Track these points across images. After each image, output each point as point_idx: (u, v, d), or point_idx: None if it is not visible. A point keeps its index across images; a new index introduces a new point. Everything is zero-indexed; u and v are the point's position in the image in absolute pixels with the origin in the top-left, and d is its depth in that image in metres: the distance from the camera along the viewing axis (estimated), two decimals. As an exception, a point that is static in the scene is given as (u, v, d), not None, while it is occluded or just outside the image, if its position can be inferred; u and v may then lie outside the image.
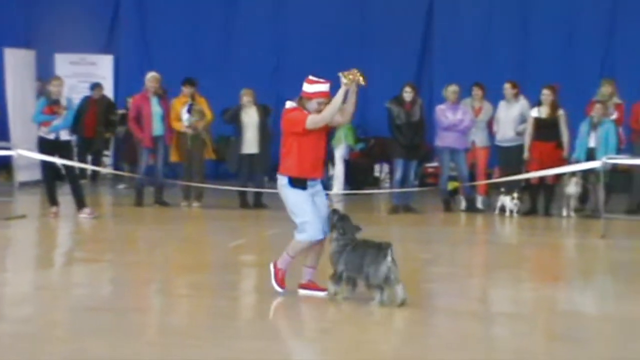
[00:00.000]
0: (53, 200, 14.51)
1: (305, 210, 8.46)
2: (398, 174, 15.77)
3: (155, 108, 15.85)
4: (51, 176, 14.58)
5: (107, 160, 20.59)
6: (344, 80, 8.46)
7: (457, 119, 15.73)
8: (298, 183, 8.47)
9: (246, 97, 15.98)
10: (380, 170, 21.27)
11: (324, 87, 8.59)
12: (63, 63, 21.08)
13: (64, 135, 14.46)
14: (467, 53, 21.21)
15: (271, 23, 22.26)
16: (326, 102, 8.51)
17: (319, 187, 8.67)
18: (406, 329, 7.78)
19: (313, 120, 8.43)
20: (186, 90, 16.14)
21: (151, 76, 16.05)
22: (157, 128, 15.91)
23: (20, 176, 16.27)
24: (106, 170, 19.65)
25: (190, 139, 16.02)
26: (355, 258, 8.27)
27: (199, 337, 7.23)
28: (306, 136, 8.45)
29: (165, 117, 15.93)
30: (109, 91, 21.03)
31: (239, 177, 16.14)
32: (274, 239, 13.44)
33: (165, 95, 16.07)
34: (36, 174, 16.89)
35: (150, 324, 7.90)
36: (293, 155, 8.48)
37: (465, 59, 21.00)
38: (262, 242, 12.97)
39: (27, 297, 8.78)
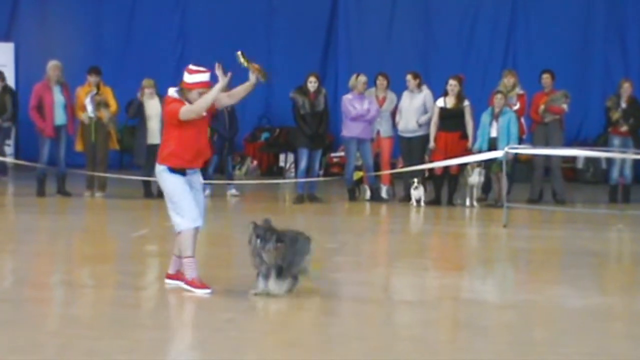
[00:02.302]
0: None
1: (182, 197, 8.37)
2: (303, 164, 15.81)
3: (57, 97, 15.63)
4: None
5: (9, 149, 20.22)
6: (239, 58, 8.43)
7: (365, 109, 15.81)
8: (176, 171, 8.39)
9: (147, 89, 15.85)
10: (285, 159, 21.31)
11: (205, 76, 8.46)
12: (-39, 51, 20.66)
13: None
14: (371, 43, 21.36)
15: (175, 11, 22.13)
16: (206, 92, 8.37)
17: (197, 176, 8.59)
18: (310, 318, 7.79)
19: (185, 113, 8.29)
20: (91, 79, 15.94)
21: (53, 64, 15.80)
22: (59, 117, 15.68)
23: None
24: (8, 160, 19.30)
25: (94, 129, 15.83)
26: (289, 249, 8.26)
27: (101, 328, 7.15)
28: (184, 127, 8.30)
29: (68, 106, 15.71)
30: (10, 79, 20.64)
31: (143, 167, 16.00)
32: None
33: (66, 84, 15.84)
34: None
35: (52, 315, 7.79)
36: (172, 145, 8.36)
37: (370, 49, 21.14)
38: (165, 232, 12.80)
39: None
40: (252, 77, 8.56)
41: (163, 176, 8.42)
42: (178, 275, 8.60)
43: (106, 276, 9.31)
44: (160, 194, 15.80)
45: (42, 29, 22.14)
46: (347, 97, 16.01)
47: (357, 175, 16.12)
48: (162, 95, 16.12)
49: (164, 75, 17.71)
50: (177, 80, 20.91)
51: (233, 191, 16.76)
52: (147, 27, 22.00)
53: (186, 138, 8.33)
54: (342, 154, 17.77)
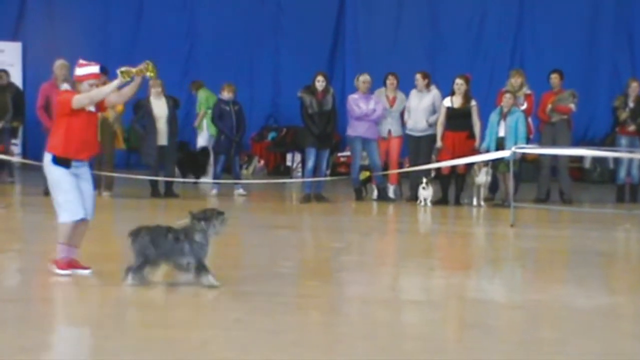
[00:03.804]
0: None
1: (66, 189, 8.63)
2: (310, 163, 15.81)
3: (64, 96, 15.63)
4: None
5: (16, 149, 20.24)
6: (120, 77, 8.68)
7: (370, 108, 15.80)
8: (62, 162, 8.64)
9: (155, 89, 15.89)
10: (292, 159, 21.31)
11: (94, 69, 8.82)
12: (-31, 50, 20.70)
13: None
14: (379, 43, 21.36)
15: (183, 11, 22.14)
16: (97, 83, 8.75)
17: (85, 169, 8.83)
18: (317, 318, 7.78)
19: (77, 100, 8.59)
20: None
21: (60, 64, 15.80)
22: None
23: None
24: (15, 159, 19.31)
25: (101, 128, 15.81)
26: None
27: (108, 328, 7.15)
28: (74, 116, 8.60)
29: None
30: (17, 79, 20.67)
31: (150, 166, 16.03)
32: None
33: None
34: None
35: (59, 314, 7.79)
36: (60, 134, 8.65)
37: (377, 48, 21.14)
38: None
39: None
40: (138, 79, 8.82)
41: (49, 168, 8.69)
42: (71, 263, 8.86)
43: (113, 275, 9.29)
44: (167, 194, 15.85)
45: (49, 28, 22.18)
46: (353, 97, 16.01)
47: (364, 175, 16.11)
48: (169, 95, 16.19)
49: (171, 76, 17.74)
50: (185, 80, 21.05)
51: (240, 191, 16.77)
52: (154, 26, 22.01)
53: (74, 129, 8.61)
54: (349, 153, 17.76)
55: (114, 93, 8.83)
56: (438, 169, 15.61)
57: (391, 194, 16.26)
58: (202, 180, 18.12)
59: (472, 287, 9.18)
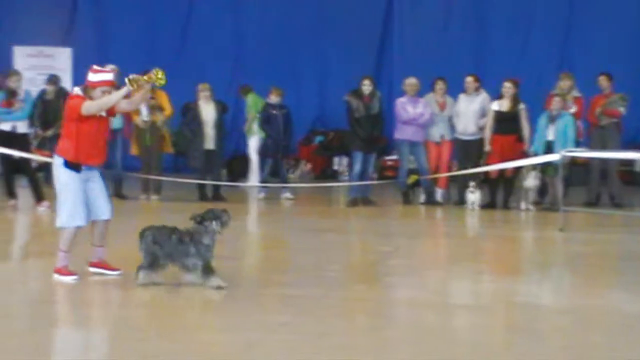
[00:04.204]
0: (11, 193, 14.38)
1: (71, 194, 8.75)
2: (357, 167, 15.79)
3: (113, 101, 15.74)
4: (9, 169, 14.44)
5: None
6: (128, 85, 8.70)
7: (417, 112, 15.76)
8: (72, 166, 8.76)
9: (203, 93, 15.97)
10: (339, 163, 21.30)
11: (107, 76, 8.90)
12: (21, 55, 20.91)
13: (21, 128, 14.34)
14: (426, 47, 21.29)
15: (229, 15, 22.23)
16: (109, 91, 8.81)
17: (96, 174, 8.98)
18: (365, 321, 7.77)
19: (86, 107, 8.66)
20: (146, 83, 16.04)
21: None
22: (115, 121, 15.77)
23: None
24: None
25: (149, 132, 15.95)
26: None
27: (153, 330, 7.18)
28: (84, 122, 8.69)
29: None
30: (67, 84, 20.85)
31: (198, 170, 16.11)
32: (231, 232, 13.37)
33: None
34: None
35: (105, 316, 7.84)
36: (71, 139, 8.74)
37: (425, 52, 21.07)
38: (219, 235, 12.88)
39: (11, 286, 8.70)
40: (146, 86, 8.86)
41: (59, 170, 8.79)
42: (99, 263, 9.04)
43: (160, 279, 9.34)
44: (214, 197, 15.91)
45: (98, 34, 22.37)
46: (401, 100, 15.98)
47: (412, 178, 16.06)
48: (217, 100, 16.26)
49: (218, 79, 17.82)
50: (231, 84, 21.10)
51: (287, 194, 16.80)
52: (201, 31, 22.11)
53: (84, 134, 8.71)
54: (396, 157, 17.71)
55: (124, 100, 8.91)
56: (486, 173, 15.52)
57: (439, 197, 16.19)
58: (250, 183, 18.16)
59: (521, 292, 9.11)
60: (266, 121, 16.75)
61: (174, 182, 16.29)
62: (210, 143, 15.91)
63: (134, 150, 16.25)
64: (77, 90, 8.86)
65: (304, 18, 21.99)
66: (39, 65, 21.35)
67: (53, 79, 17.33)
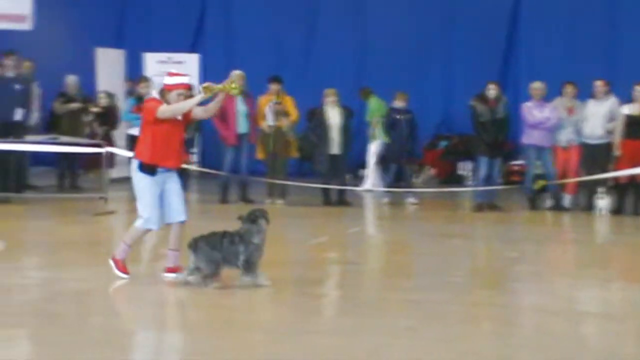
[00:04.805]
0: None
1: (147, 197, 8.90)
2: (482, 172, 15.66)
3: (240, 106, 15.95)
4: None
5: (194, 157, 20.75)
6: (202, 93, 8.80)
7: (544, 116, 15.55)
8: (147, 169, 8.89)
9: (329, 98, 16.04)
10: (464, 167, 21.14)
11: (184, 79, 9.03)
12: (151, 62, 21.31)
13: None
14: (553, 50, 20.96)
15: (354, 21, 22.27)
16: (185, 94, 8.95)
17: (173, 176, 9.04)
18: (491, 328, 7.68)
19: (162, 111, 8.79)
20: (272, 87, 16.21)
21: (236, 74, 16.13)
22: (241, 126, 16.01)
23: (110, 173, 16.64)
24: (192, 167, 19.80)
25: (274, 137, 16.10)
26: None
27: (279, 333, 7.23)
28: (159, 125, 8.83)
29: (249, 115, 16.03)
30: (196, 89, 21.21)
31: (323, 174, 16.18)
32: (355, 236, 13.43)
33: (248, 93, 16.16)
34: (126, 171, 17.13)
35: (232, 319, 7.92)
36: (147, 142, 8.91)
37: (551, 56, 20.75)
38: (343, 240, 12.95)
39: (115, 292, 8.87)
40: (220, 95, 8.94)
41: (136, 174, 8.96)
42: (176, 269, 9.02)
43: (285, 282, 9.41)
44: (339, 202, 15.95)
45: (226, 40, 22.70)
46: (527, 105, 15.78)
47: (539, 184, 15.83)
48: (343, 105, 16.33)
49: (343, 85, 17.86)
50: (356, 89, 21.05)
51: (412, 199, 16.74)
52: (327, 36, 22.23)
53: (160, 137, 8.85)
54: (522, 162, 17.49)
55: (199, 108, 9.04)
56: (616, 178, 15.19)
57: (566, 203, 15.92)
58: (375, 188, 18.16)
59: (652, 300, 8.89)
60: (390, 126, 16.74)
61: (299, 187, 16.39)
62: (335, 148, 15.97)
63: (259, 154, 16.42)
64: (153, 94, 9.09)
65: (429, 22, 21.90)
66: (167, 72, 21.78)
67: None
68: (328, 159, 15.95)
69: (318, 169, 16.35)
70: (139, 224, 9.03)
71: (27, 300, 8.43)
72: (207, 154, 20.99)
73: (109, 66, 19.79)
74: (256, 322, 7.74)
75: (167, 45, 21.81)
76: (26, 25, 22.12)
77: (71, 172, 17.58)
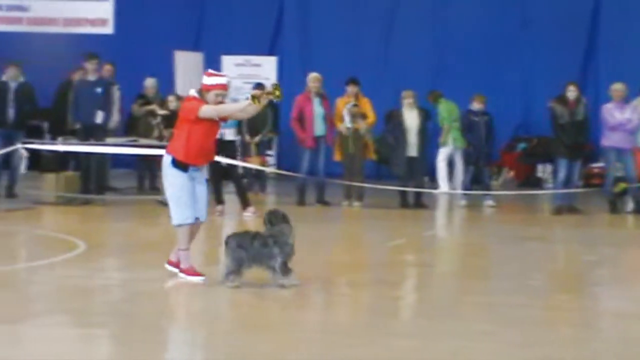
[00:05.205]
0: (219, 199, 14.79)
1: (180, 192, 8.99)
2: (561, 174, 15.50)
3: (317, 108, 16.00)
4: (217, 175, 14.86)
5: (271, 159, 20.87)
6: (250, 101, 8.93)
7: (625, 118, 15.34)
8: (180, 165, 8.99)
9: (407, 99, 16.01)
10: (542, 170, 20.94)
11: (222, 79, 9.15)
12: (229, 65, 21.48)
13: (229, 135, 14.75)
14: (635, 51, 20.65)
15: (432, 23, 22.17)
16: (223, 94, 9.10)
17: (200, 173, 9.19)
18: (570, 332, 7.61)
19: (204, 111, 8.91)
20: (350, 89, 16.22)
21: (313, 77, 16.21)
22: (318, 128, 16.05)
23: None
24: (269, 169, 19.92)
25: (352, 139, 16.11)
26: None
27: (357, 335, 7.24)
28: (197, 124, 8.95)
29: (327, 117, 16.07)
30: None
31: (400, 177, 16.14)
32: (432, 239, 13.39)
33: (326, 96, 16.20)
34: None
35: (310, 321, 7.96)
36: (182, 139, 9.00)
37: (633, 56, 20.44)
38: (420, 242, 12.92)
39: (192, 293, 8.96)
40: (263, 101, 8.98)
41: (168, 170, 9.06)
42: (178, 263, 9.17)
43: (363, 284, 9.43)
44: (416, 204, 15.91)
45: (303, 42, 22.77)
46: (607, 106, 15.58)
47: (620, 186, 15.61)
48: (420, 107, 16.28)
49: (420, 86, 17.80)
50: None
51: (489, 202, 16.63)
52: (404, 37, 22.17)
53: (195, 135, 8.96)
54: (602, 164, 17.27)
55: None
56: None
57: (649, 206, 15.67)
58: (452, 191, 18.07)
59: None
60: (468, 128, 16.65)
61: (376, 189, 16.38)
62: (413, 150, 15.91)
63: (337, 156, 16.45)
64: (192, 93, 9.13)
65: (507, 23, 21.71)
66: (245, 74, 21.88)
67: (259, 87, 17.73)
68: (405, 161, 15.91)
69: (395, 171, 16.32)
70: (175, 222, 9.06)
71: (108, 301, 8.56)
72: (284, 156, 21.07)
73: (187, 69, 19.99)
74: (333, 324, 7.76)
75: (245, 48, 21.96)
76: (108, 29, 22.52)
77: (150, 173, 17.80)
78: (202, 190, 9.20)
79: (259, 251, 8.72)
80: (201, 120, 8.97)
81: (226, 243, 8.81)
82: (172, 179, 9.06)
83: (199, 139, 9.00)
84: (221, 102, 9.09)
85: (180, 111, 9.33)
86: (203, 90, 9.07)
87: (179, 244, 9.16)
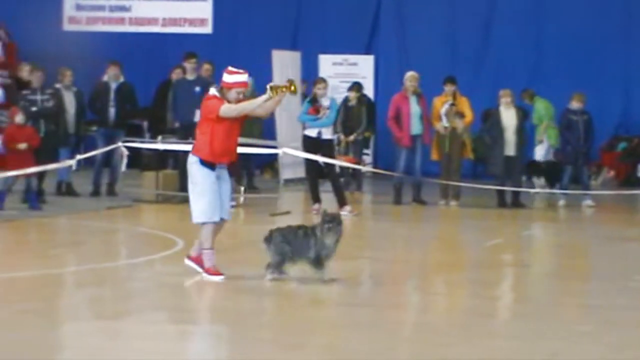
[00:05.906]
0: (316, 197, 14.85)
1: (207, 191, 8.97)
2: (663, 174, 15.21)
3: (414, 107, 15.95)
4: (314, 174, 14.93)
5: (368, 158, 20.88)
6: (269, 93, 8.90)
7: None
8: (207, 164, 8.95)
9: (504, 98, 15.86)
10: (644, 170, 20.57)
11: (243, 77, 9.09)
12: (326, 64, 21.56)
13: (326, 134, 14.80)
14: None
15: (530, 21, 21.94)
16: (244, 92, 9.11)
17: (225, 171, 9.16)
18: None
19: (225, 110, 8.90)
20: (447, 88, 16.15)
21: (410, 75, 16.16)
22: (415, 127, 16.00)
23: (285, 173, 16.88)
24: (366, 168, 19.93)
25: (449, 138, 16.04)
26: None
27: (454, 336, 7.22)
28: (219, 123, 8.95)
29: (423, 116, 16.01)
30: (369, 91, 21.32)
31: (497, 176, 16.01)
32: (530, 239, 13.26)
33: (422, 94, 16.14)
34: (300, 172, 17.41)
35: (406, 321, 7.96)
36: (206, 139, 9.01)
37: None
38: (520, 242, 12.81)
39: (291, 291, 9.00)
40: (281, 95, 8.98)
41: (194, 167, 9.05)
42: (198, 259, 9.18)
43: (460, 284, 9.40)
44: (514, 204, 15.76)
45: (400, 41, 22.71)
46: None
47: None
48: (518, 106, 16.12)
49: (518, 85, 17.64)
50: (532, 90, 20.49)
51: (588, 202, 16.39)
52: (503, 36, 21.97)
53: (218, 134, 8.97)
54: None
55: (260, 109, 9.17)
56: None
57: None
58: (551, 190, 17.84)
59: None
60: (566, 127, 16.42)
61: (473, 188, 16.28)
62: (510, 149, 15.76)
63: (434, 155, 16.38)
64: (213, 91, 9.11)
65: (607, 21, 21.37)
66: (342, 73, 21.92)
67: (356, 86, 17.77)
68: (503, 160, 15.77)
69: (492, 171, 16.19)
70: (199, 220, 9.10)
71: (204, 298, 8.67)
72: (381, 155, 21.07)
73: (284, 68, 20.10)
74: (429, 324, 7.75)
75: (342, 47, 22.01)
76: (207, 29, 22.78)
77: (248, 172, 17.95)
78: (227, 189, 9.22)
79: (300, 242, 8.85)
80: (223, 119, 8.99)
81: (269, 240, 8.92)
82: (199, 178, 9.05)
83: (221, 137, 9.03)
84: (242, 100, 9.09)
85: (201, 110, 9.31)
86: (224, 88, 9.05)
87: (203, 243, 9.18)
